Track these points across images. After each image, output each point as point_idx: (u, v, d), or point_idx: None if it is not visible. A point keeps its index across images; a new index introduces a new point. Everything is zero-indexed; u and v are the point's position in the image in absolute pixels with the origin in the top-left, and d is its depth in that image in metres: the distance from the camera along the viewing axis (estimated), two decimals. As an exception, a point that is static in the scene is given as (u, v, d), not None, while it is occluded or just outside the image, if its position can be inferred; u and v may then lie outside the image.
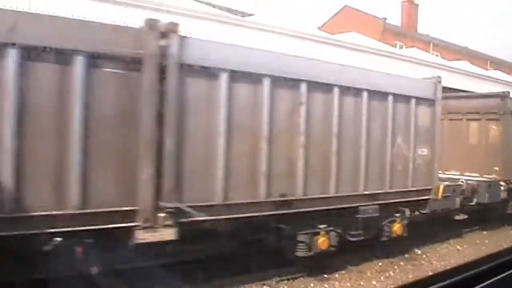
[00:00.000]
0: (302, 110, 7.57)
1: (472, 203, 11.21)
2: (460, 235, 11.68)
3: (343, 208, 8.24)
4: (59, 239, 5.57)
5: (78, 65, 5.65)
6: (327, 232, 8.02)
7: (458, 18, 62.04)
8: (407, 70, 20.81)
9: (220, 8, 21.28)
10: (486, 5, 63.02)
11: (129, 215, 6.02)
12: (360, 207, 8.45)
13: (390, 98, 8.87)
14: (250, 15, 23.26)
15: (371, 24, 36.35)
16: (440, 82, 9.69)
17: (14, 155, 5.27)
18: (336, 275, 8.54)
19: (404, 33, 38.67)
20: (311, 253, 7.89)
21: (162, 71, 6.18)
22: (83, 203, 5.69)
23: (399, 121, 9.05)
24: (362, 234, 8.59)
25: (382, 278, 8.65)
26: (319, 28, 28.62)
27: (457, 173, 11.77)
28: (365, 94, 8.46)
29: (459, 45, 41.19)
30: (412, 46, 32.61)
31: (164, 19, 7.44)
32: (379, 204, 8.68)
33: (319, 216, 7.94)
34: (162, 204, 6.18)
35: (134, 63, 6.02)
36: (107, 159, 5.93)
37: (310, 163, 7.69)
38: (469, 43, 43.21)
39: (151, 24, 6.19)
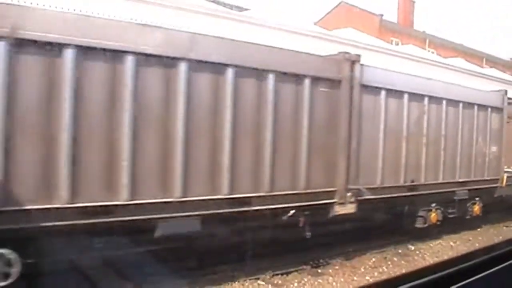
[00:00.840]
0: (425, 117, 10.15)
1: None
2: (453, 232, 11.90)
3: (446, 192, 10.99)
4: (293, 211, 7.92)
5: (306, 86, 8.13)
6: (436, 210, 10.62)
7: (454, 15, 63.45)
8: (403, 67, 22.26)
9: (216, 2, 20.70)
10: (483, 2, 64.59)
11: (330, 194, 8.60)
12: (457, 191, 11.18)
13: (475, 107, 11.58)
14: (246, 9, 22.92)
15: (368, 20, 35.91)
16: (506, 94, 12.34)
17: (272, 151, 7.71)
18: (330, 270, 8.82)
19: (400, 30, 38.50)
20: (425, 225, 10.50)
21: (350, 90, 8.72)
22: (307, 185, 8.19)
23: (480, 125, 11.83)
24: (456, 212, 11.23)
25: (375, 273, 8.84)
26: (315, 24, 28.71)
27: (505, 166, 14.15)
28: (460, 105, 11.14)
29: (455, 42, 40.35)
30: (408, 43, 32.51)
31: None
32: (467, 189, 11.35)
33: (431, 197, 10.55)
34: (350, 186, 8.77)
35: (335, 84, 8.62)
36: (320, 154, 8.43)
37: (428, 157, 10.34)
38: (465, 41, 42.70)
39: (345, 55, 8.78)
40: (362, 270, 9.03)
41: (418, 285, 1.81)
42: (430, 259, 9.89)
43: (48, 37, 5.64)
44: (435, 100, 10.47)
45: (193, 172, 6.83)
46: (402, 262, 9.68)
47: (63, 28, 5.78)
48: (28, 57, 5.60)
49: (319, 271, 8.75)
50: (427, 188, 10.39)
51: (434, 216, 10.52)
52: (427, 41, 38.20)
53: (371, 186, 9.19)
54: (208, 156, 7.02)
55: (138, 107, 6.32)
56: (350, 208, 8.74)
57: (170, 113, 6.62)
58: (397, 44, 34.44)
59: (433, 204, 10.58)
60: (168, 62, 6.59)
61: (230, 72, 7.12)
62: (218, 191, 7.10)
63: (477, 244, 11.11)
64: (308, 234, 8.32)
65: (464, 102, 11.21)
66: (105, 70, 6.10)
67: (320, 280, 8.32)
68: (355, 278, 8.57)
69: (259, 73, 7.51)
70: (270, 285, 7.94)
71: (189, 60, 6.70)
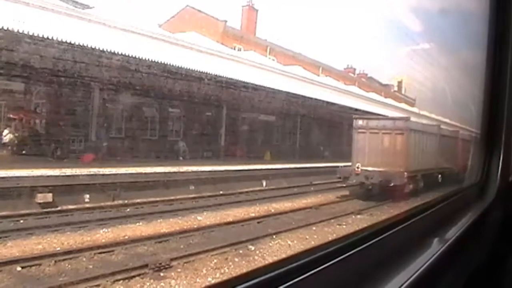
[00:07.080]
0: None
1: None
2: (290, 231, 12.50)
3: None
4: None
5: (432, 135, 23.04)
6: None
7: (295, 26, 65.99)
8: (244, 72, 22.34)
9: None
10: (321, 18, 67.89)
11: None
12: None
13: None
14: (91, 7, 21.44)
15: (212, 26, 35.42)
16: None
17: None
18: (172, 273, 8.86)
19: (243, 36, 38.92)
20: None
21: (439, 136, 23.78)
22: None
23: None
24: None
25: (217, 274, 8.99)
26: (160, 26, 28.20)
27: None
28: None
29: (294, 51, 41.69)
30: (250, 50, 33.81)
31: None
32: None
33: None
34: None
35: (436, 134, 23.34)
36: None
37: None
38: (304, 50, 43.68)
39: (440, 125, 24.95)
40: (204, 271, 9.12)
41: (255, 284, 1.78)
42: (270, 258, 10.19)
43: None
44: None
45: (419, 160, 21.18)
46: (243, 262, 9.85)
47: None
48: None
49: (161, 274, 8.71)
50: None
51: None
52: (268, 48, 39.41)
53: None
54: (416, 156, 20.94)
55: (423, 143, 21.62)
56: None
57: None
58: (239, 50, 35.27)
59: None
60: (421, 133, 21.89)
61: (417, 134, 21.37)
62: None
63: (313, 242, 11.57)
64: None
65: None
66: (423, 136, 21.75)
67: (162, 284, 8.34)
68: (197, 280, 8.65)
69: (427, 134, 21.98)
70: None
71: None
